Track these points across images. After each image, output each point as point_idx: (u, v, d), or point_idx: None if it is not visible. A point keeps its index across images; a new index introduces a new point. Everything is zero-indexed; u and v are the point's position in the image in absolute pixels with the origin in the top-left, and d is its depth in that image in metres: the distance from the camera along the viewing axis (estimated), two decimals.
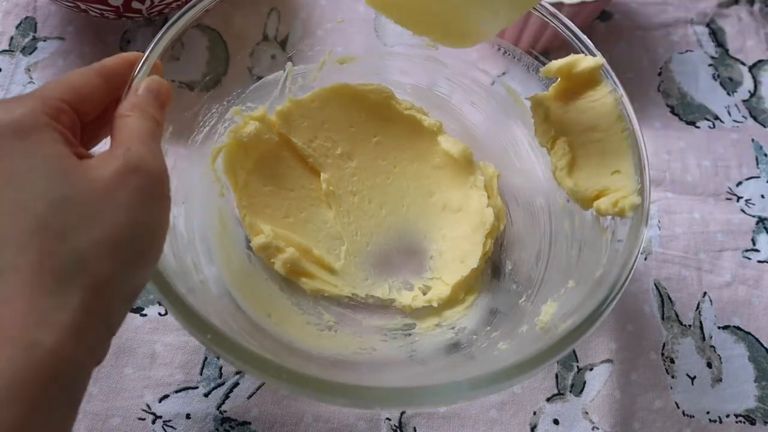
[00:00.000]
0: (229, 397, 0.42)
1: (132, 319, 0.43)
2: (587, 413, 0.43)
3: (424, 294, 0.44)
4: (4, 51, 0.54)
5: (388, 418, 0.42)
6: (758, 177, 0.53)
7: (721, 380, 0.45)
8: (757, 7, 0.61)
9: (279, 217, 0.45)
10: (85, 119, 0.28)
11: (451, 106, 0.48)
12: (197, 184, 0.41)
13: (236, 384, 0.42)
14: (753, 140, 0.54)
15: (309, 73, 0.46)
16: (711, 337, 0.46)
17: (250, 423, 0.41)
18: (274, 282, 0.43)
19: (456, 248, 0.46)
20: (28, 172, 0.24)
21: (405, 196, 0.48)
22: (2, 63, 0.53)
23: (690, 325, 0.46)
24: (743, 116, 0.56)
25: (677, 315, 0.47)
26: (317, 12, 0.47)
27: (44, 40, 0.55)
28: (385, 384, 0.29)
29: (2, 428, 0.20)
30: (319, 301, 0.43)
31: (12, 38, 0.55)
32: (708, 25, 0.60)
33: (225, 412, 0.41)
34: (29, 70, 0.53)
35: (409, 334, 0.42)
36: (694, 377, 0.45)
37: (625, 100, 0.36)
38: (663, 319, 0.46)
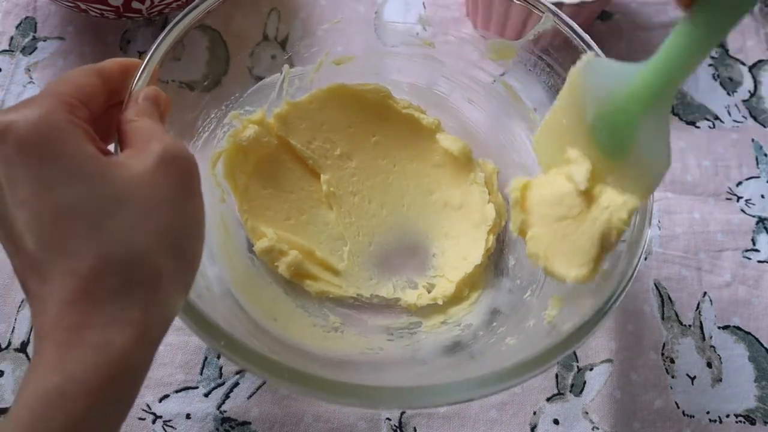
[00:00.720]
0: (229, 397, 0.42)
1: None
2: (587, 413, 0.43)
3: (429, 292, 0.44)
4: (4, 51, 0.54)
5: (388, 418, 0.42)
6: (758, 177, 0.53)
7: (721, 380, 0.45)
8: (757, 7, 0.61)
9: (280, 220, 0.45)
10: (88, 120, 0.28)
11: (449, 104, 0.48)
12: None
13: (236, 384, 0.42)
14: (753, 140, 0.54)
15: (306, 75, 0.46)
16: (711, 337, 0.46)
17: (250, 423, 0.41)
18: (279, 285, 0.43)
19: (458, 245, 0.46)
20: (66, 176, 0.23)
21: (405, 195, 0.48)
22: (2, 63, 0.53)
23: (690, 325, 0.46)
24: (743, 116, 0.56)
25: (677, 315, 0.47)
26: (317, 12, 0.47)
27: (44, 40, 0.55)
28: (388, 383, 0.29)
29: (70, 418, 0.21)
30: (324, 302, 0.43)
31: (12, 38, 0.55)
32: None
33: (225, 412, 0.41)
34: (29, 70, 0.53)
35: (415, 333, 0.42)
36: (694, 377, 0.45)
37: None
38: (663, 319, 0.46)
